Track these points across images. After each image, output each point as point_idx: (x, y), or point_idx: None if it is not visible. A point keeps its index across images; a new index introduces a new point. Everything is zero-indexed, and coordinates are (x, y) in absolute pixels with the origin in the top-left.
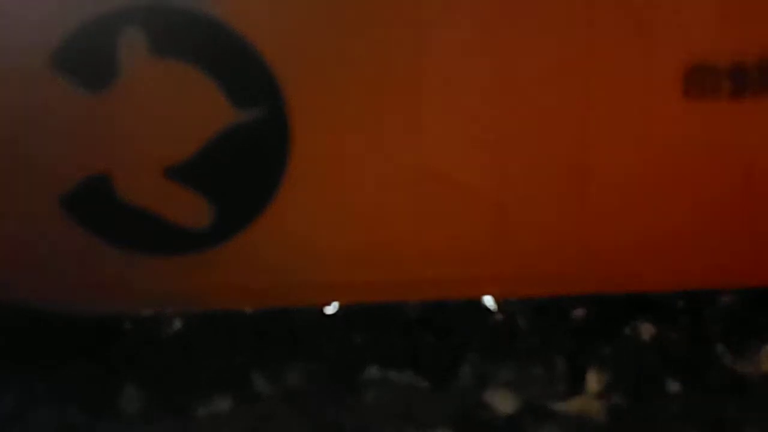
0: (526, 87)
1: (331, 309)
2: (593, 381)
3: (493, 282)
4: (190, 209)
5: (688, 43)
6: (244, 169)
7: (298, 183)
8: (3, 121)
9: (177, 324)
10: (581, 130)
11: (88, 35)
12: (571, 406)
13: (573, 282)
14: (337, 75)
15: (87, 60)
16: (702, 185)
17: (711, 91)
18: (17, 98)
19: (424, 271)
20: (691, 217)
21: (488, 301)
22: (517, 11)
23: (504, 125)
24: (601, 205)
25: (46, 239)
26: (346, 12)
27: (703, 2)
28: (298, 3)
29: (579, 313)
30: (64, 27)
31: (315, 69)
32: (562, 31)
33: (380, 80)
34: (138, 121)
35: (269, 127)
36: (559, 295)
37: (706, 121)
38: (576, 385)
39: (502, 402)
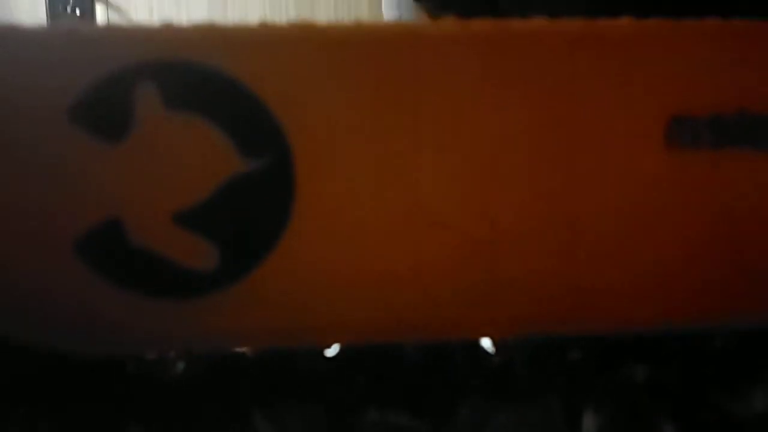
0: (514, 139)
1: (331, 352)
2: (589, 421)
3: (489, 323)
4: (197, 253)
5: (669, 95)
6: (251, 214)
7: (301, 227)
8: (23, 171)
9: (180, 366)
10: (569, 178)
11: (104, 90)
12: None
13: (565, 323)
14: (339, 127)
15: (103, 113)
16: (686, 228)
17: (692, 141)
18: (36, 150)
19: (422, 313)
20: (676, 258)
21: (486, 344)
22: (505, 70)
23: (493, 176)
24: (589, 249)
25: (57, 282)
26: (347, 69)
27: (682, 57)
28: (302, 61)
29: (575, 355)
30: (81, 83)
31: (319, 121)
32: (546, 87)
33: (379, 133)
34: (151, 169)
35: (275, 175)
36: (553, 336)
37: (688, 169)
38: (572, 426)
39: None
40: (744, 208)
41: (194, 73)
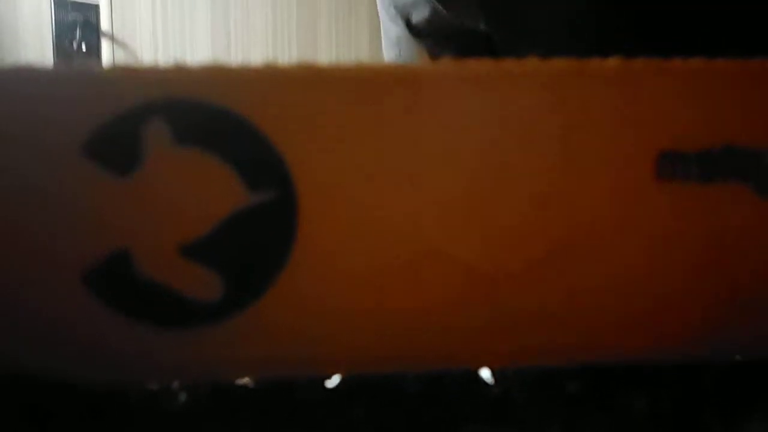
0: (512, 172)
1: (332, 382)
2: None
3: (490, 355)
4: (202, 284)
5: (658, 131)
6: (255, 246)
7: (303, 259)
8: (36, 203)
9: (182, 396)
10: (564, 210)
11: (116, 126)
12: None
13: (565, 353)
14: (341, 163)
15: (114, 148)
16: (678, 258)
17: (681, 175)
18: (49, 184)
19: (423, 344)
20: (671, 288)
21: (485, 374)
22: (500, 108)
23: (492, 211)
24: (585, 279)
25: (65, 311)
26: (349, 108)
27: (669, 95)
28: (305, 100)
29: (574, 384)
30: (95, 119)
31: (321, 157)
32: (540, 123)
33: (380, 168)
34: (160, 202)
35: (279, 208)
36: (551, 366)
37: (679, 201)
38: None
39: None
40: (734, 239)
41: (202, 111)
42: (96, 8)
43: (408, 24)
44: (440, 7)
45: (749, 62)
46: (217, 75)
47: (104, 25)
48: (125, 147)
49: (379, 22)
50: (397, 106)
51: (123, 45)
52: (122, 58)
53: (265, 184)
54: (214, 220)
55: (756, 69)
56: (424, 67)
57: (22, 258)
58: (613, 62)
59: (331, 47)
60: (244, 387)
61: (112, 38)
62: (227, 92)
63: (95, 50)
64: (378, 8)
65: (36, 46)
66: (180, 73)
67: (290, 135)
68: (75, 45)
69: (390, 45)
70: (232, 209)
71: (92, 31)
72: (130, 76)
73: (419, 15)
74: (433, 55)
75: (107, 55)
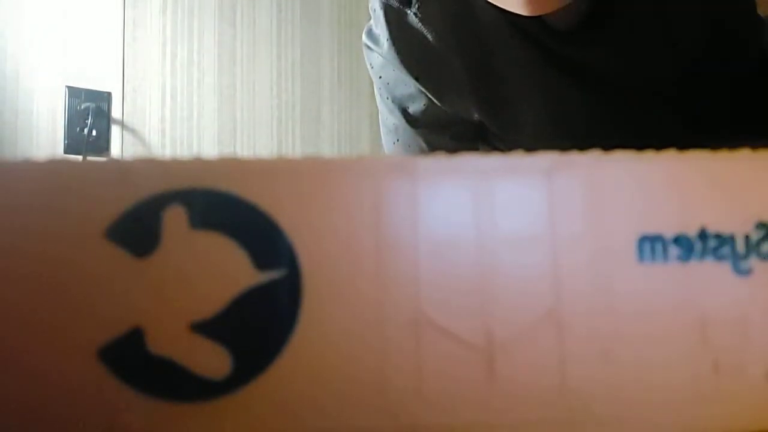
0: (503, 254)
1: None
2: None
3: (486, 428)
4: (211, 359)
5: (637, 217)
6: (261, 323)
7: (306, 335)
8: (60, 283)
9: None
10: (554, 290)
11: (138, 213)
12: None
13: (559, 426)
14: (343, 245)
15: (136, 233)
16: (663, 333)
17: (661, 256)
18: (73, 266)
19: (420, 416)
20: (657, 362)
21: None
22: (491, 195)
23: (487, 288)
24: (577, 354)
25: (78, 385)
26: (351, 196)
27: (645, 183)
28: (311, 189)
29: None
30: (120, 206)
31: (325, 237)
32: (528, 210)
33: (381, 249)
34: (174, 282)
35: (285, 287)
36: None
37: (660, 280)
38: None
39: None
40: (715, 314)
41: (217, 198)
42: (108, 96)
43: (405, 114)
44: (435, 99)
45: (720, 153)
46: (231, 166)
47: (115, 112)
48: (145, 231)
49: (378, 111)
50: (395, 195)
51: (132, 131)
52: (130, 143)
53: (274, 264)
54: (225, 298)
55: (726, 159)
56: (419, 160)
57: (42, 332)
58: (590, 154)
59: (333, 134)
60: None
61: (122, 125)
62: (240, 181)
63: (105, 136)
64: (377, 100)
65: (49, 131)
66: (197, 164)
67: (297, 219)
68: (86, 131)
69: (388, 133)
70: (243, 288)
71: (103, 118)
72: (152, 166)
73: (415, 106)
74: (429, 142)
75: (116, 140)
